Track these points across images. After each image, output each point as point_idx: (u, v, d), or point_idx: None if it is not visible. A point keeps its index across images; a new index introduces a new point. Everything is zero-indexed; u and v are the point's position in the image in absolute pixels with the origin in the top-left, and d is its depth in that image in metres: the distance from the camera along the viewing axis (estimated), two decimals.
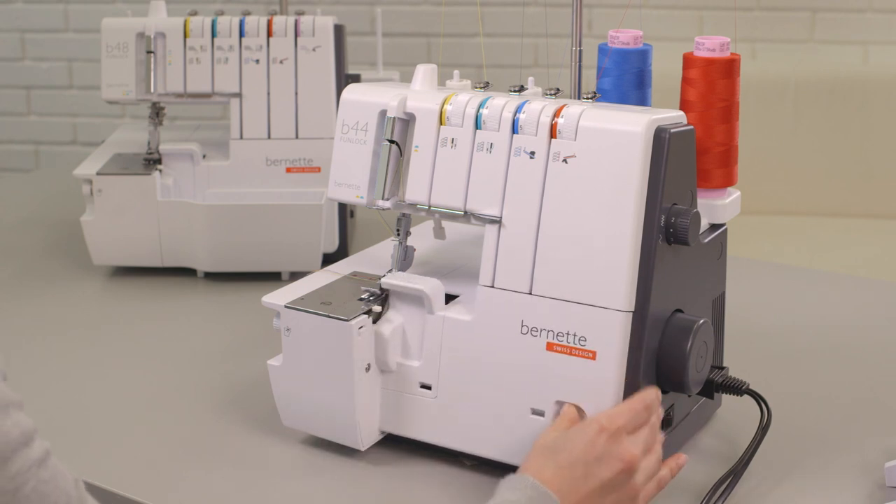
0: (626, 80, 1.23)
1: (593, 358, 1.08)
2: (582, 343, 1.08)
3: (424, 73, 1.21)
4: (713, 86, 1.22)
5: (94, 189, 1.72)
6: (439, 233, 1.31)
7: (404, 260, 1.23)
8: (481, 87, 1.20)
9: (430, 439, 1.18)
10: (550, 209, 1.10)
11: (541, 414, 1.11)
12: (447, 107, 1.16)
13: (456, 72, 1.24)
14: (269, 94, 1.76)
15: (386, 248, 1.31)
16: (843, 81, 3.07)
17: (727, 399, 1.26)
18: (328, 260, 1.62)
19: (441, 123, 1.16)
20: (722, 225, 1.24)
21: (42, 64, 3.62)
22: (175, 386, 1.40)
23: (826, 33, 3.25)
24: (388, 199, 1.18)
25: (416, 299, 1.17)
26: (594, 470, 1.01)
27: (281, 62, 1.76)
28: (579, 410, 1.09)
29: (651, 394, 1.08)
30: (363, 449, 1.19)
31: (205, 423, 1.30)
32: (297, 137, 1.76)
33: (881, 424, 1.28)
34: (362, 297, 1.19)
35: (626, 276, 1.07)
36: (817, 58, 3.24)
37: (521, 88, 1.19)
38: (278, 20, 1.76)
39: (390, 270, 1.22)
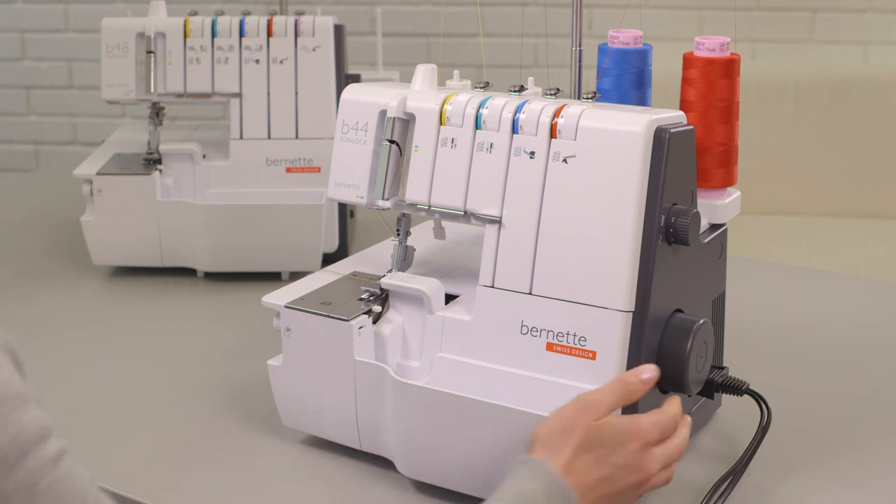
0: (626, 80, 1.23)
1: (593, 358, 1.08)
2: (582, 343, 1.08)
3: (424, 73, 1.21)
4: (713, 86, 1.21)
5: (94, 189, 1.72)
6: (439, 233, 1.31)
7: (404, 260, 1.22)
8: (481, 87, 1.20)
9: None
10: (550, 209, 1.10)
11: None
12: (447, 107, 1.16)
13: (456, 72, 1.24)
14: (269, 94, 1.76)
15: (386, 248, 1.31)
16: (843, 81, 3.07)
17: (727, 399, 1.26)
18: (328, 260, 1.62)
19: (441, 123, 1.16)
20: (722, 225, 1.24)
21: (42, 64, 3.62)
22: (175, 386, 1.40)
23: (826, 33, 3.25)
24: (388, 199, 1.18)
25: (416, 299, 1.17)
26: (618, 475, 0.99)
27: (281, 62, 1.76)
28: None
29: (677, 407, 1.06)
30: (363, 449, 1.19)
31: (205, 423, 1.30)
32: (297, 137, 1.76)
33: (881, 424, 1.28)
34: (362, 297, 1.19)
35: (626, 277, 1.06)
36: (817, 58, 3.24)
37: (521, 88, 1.19)
38: (278, 20, 1.76)
39: (390, 270, 1.22)
